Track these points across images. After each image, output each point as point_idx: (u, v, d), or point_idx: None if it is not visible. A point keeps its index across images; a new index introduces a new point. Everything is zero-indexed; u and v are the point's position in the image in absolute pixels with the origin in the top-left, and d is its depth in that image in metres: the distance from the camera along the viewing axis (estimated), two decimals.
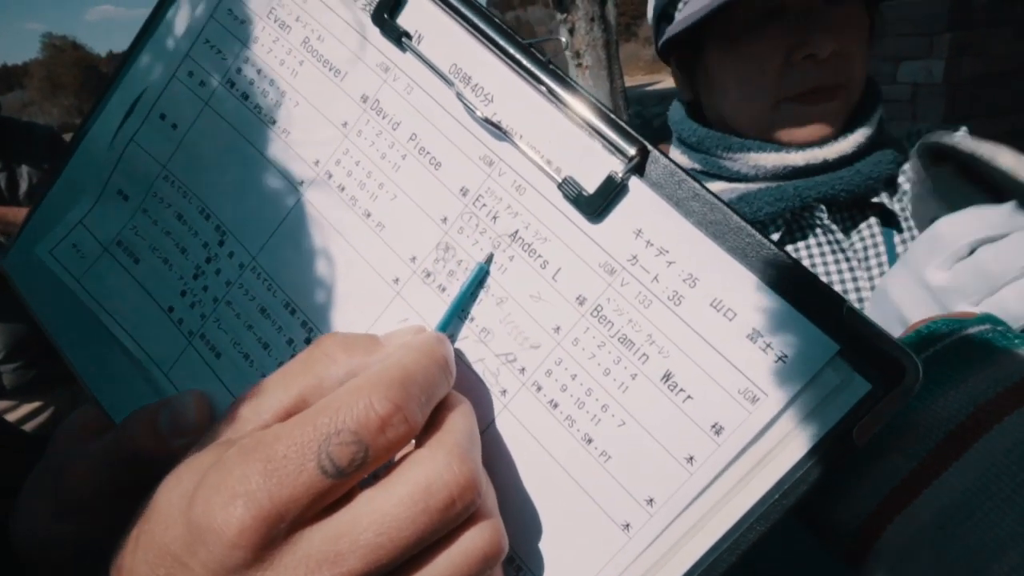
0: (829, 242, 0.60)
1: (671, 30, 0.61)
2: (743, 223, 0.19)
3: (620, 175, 0.20)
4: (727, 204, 0.20)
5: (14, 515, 0.27)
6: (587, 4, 3.00)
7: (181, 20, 0.28)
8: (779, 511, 0.19)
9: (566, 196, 0.21)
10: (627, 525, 0.20)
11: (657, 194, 0.20)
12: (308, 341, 0.25)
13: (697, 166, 0.65)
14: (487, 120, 0.22)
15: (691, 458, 0.20)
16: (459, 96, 0.23)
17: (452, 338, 0.23)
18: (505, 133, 0.22)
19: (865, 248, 0.60)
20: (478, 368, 0.23)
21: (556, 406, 0.21)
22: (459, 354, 0.23)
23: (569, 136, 0.21)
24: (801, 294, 0.19)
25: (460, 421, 0.20)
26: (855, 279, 0.59)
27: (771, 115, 0.60)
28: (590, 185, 0.21)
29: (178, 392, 0.27)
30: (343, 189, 0.25)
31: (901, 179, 0.63)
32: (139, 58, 0.29)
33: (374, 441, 0.17)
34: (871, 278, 0.59)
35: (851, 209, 0.62)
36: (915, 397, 0.33)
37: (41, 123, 1.82)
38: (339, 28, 0.25)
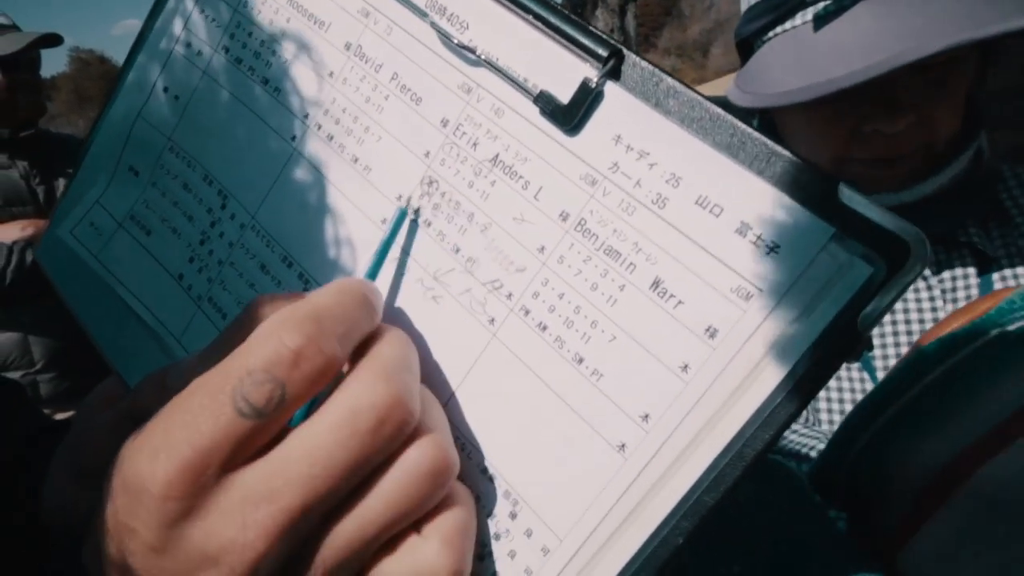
0: None
1: (750, 100, 0.57)
2: (725, 114, 0.18)
3: (595, 80, 0.20)
4: (707, 98, 0.19)
5: (44, 485, 0.27)
6: (607, 16, 2.99)
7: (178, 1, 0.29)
8: (784, 415, 0.17)
9: (543, 111, 0.21)
10: (622, 446, 0.19)
11: (634, 96, 0.19)
12: (306, 292, 0.25)
13: None
14: (462, 46, 0.22)
15: (686, 366, 0.18)
16: (434, 26, 0.22)
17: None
18: (480, 56, 0.22)
19: (954, 279, 0.56)
20: (464, 300, 0.22)
21: (545, 328, 0.20)
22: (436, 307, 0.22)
23: (542, 49, 0.21)
24: (790, 178, 0.17)
25: (387, 347, 0.19)
26: (934, 309, 0.55)
27: (834, 169, 0.58)
28: (565, 96, 0.20)
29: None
30: (332, 138, 0.25)
31: (1010, 207, 0.59)
32: (145, 42, 0.30)
33: (289, 376, 0.17)
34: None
35: (943, 243, 0.58)
36: (904, 448, 0.30)
37: (67, 133, 1.87)
38: None
